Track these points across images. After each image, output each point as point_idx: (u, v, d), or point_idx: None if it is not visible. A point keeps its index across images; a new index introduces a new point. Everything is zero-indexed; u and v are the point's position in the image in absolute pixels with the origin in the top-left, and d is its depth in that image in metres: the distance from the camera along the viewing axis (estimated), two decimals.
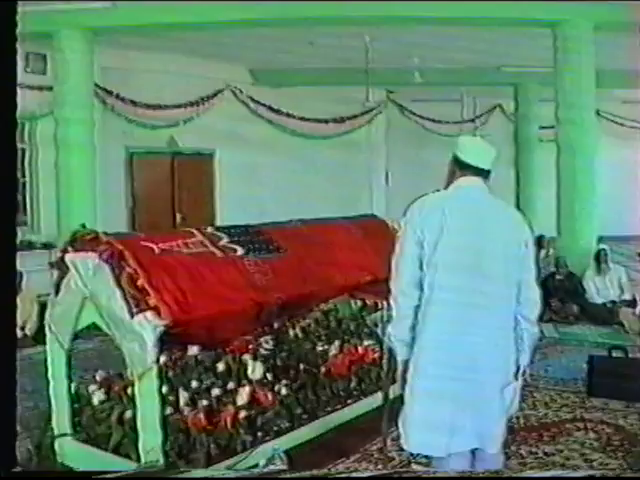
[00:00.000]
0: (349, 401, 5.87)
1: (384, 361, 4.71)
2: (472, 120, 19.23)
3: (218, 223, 13.12)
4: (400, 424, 3.62)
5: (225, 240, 5.17)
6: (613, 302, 9.69)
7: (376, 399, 6.03)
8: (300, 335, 6.08)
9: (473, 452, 3.76)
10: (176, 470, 4.12)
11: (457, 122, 18.84)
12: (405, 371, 3.58)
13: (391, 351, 3.86)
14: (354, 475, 2.35)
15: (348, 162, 17.10)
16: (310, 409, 5.48)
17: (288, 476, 2.41)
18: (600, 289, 9.88)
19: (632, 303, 9.41)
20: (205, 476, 2.26)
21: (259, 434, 4.93)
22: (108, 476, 2.67)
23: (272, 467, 4.12)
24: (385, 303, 6.73)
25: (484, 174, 3.66)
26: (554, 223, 11.28)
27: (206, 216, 14.04)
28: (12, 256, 2.34)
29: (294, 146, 15.93)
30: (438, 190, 4.45)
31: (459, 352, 3.46)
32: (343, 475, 2.32)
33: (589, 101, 10.35)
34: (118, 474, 2.97)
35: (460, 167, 3.66)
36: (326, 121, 16.36)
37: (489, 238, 3.54)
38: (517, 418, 5.83)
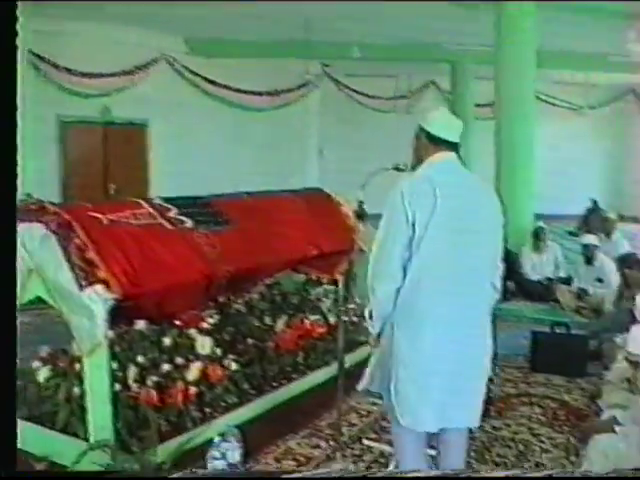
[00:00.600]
0: (296, 376, 5.82)
1: (339, 332, 4.59)
2: (406, 96, 19.25)
3: (152, 194, 12.84)
4: (394, 399, 3.53)
5: (174, 212, 5.03)
6: (549, 279, 9.78)
7: (324, 373, 6.04)
8: (246, 310, 5.97)
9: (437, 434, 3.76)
10: (176, 470, 3.99)
11: (391, 98, 18.87)
12: (375, 342, 3.61)
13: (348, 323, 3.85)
14: (354, 475, 2.28)
15: (283, 135, 16.94)
16: (258, 385, 5.41)
17: (288, 476, 2.32)
18: (536, 266, 9.97)
19: (567, 280, 9.54)
20: (206, 476, 2.19)
21: (208, 410, 4.84)
22: (109, 476, 2.54)
23: (225, 444, 4.03)
24: (328, 277, 6.81)
25: (457, 148, 3.61)
26: None
27: (140, 187, 13.74)
28: (12, 257, 2.27)
29: (230, 118, 15.69)
30: (399, 165, 4.40)
31: (455, 331, 3.46)
32: (343, 475, 2.24)
33: (529, 80, 10.40)
34: (119, 474, 2.86)
35: (433, 142, 3.56)
36: (261, 93, 16.16)
37: (477, 216, 3.53)
38: None
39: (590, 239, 9.19)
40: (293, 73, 15.96)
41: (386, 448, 4.77)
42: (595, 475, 2.22)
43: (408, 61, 15.97)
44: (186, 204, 5.23)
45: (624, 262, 7.20)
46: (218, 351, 5.07)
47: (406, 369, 3.46)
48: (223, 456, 3.99)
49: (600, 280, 8.90)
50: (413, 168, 3.68)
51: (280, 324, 5.87)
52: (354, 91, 18.21)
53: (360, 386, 3.81)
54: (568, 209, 17.72)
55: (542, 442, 5.03)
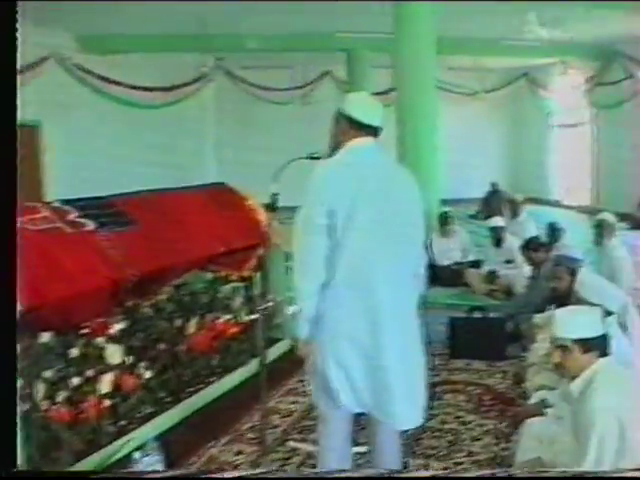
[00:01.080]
0: (212, 379, 5.58)
1: (258, 331, 4.37)
2: (302, 87, 19.12)
3: (48, 197, 12.27)
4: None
5: (73, 214, 4.68)
6: (458, 263, 9.78)
7: (239, 375, 5.82)
8: (154, 313, 5.65)
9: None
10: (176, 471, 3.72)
11: (286, 89, 18.70)
12: (305, 347, 3.42)
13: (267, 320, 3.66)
14: (354, 475, 2.10)
15: (179, 131, 16.53)
16: (173, 392, 5.14)
17: (288, 476, 2.17)
18: (445, 251, 9.95)
19: (477, 264, 9.57)
20: (206, 476, 2.03)
21: (123, 423, 4.54)
22: (109, 476, 2.53)
23: (147, 459, 3.75)
24: (237, 274, 6.55)
25: (377, 133, 3.47)
26: None
27: (36, 190, 13.13)
28: (12, 259, 2.16)
29: (125, 115, 15.15)
30: (314, 154, 4.19)
31: (390, 325, 3.36)
32: (342, 475, 2.07)
33: (429, 68, 10.33)
34: (119, 474, 2.66)
35: (354, 127, 3.41)
36: (154, 89, 15.65)
37: (400, 203, 3.43)
38: None
39: (497, 221, 9.24)
40: (187, 67, 15.57)
41: (313, 448, 4.58)
42: (595, 475, 2.07)
43: (303, 51, 15.79)
44: (86, 206, 4.88)
45: (528, 246, 7.21)
46: (129, 359, 4.76)
47: (343, 368, 3.36)
48: None
49: (509, 261, 8.97)
50: (330, 155, 3.51)
51: (192, 326, 5.59)
52: (249, 84, 17.93)
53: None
54: (467, 192, 17.96)
55: (471, 430, 4.94)
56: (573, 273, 5.10)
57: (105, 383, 4.39)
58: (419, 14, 10.07)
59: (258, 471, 2.79)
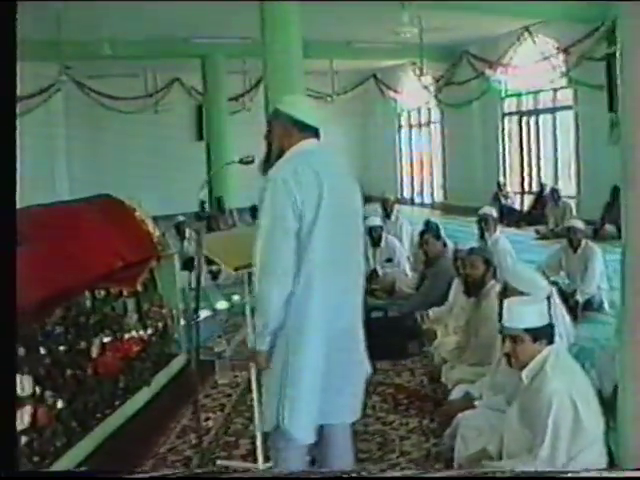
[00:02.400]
0: (118, 402, 5.27)
1: (192, 333, 4.17)
2: (151, 95, 18.72)
3: None
4: (284, 411, 3.25)
5: None
6: None
7: (146, 394, 5.55)
8: (52, 338, 5.28)
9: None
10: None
11: (136, 97, 18.24)
12: (266, 361, 3.31)
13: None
14: (354, 475, 2.01)
15: (28, 143, 15.68)
16: (83, 419, 4.79)
17: (289, 476, 2.04)
18: None
19: None
20: (206, 476, 1.89)
21: (35, 459, 4.18)
22: (109, 476, 2.45)
23: None
24: (130, 289, 6.24)
25: (319, 134, 3.44)
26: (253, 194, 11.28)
27: None
28: (11, 258, 2.16)
29: None
30: (245, 158, 4.03)
31: (342, 327, 3.36)
32: (342, 475, 1.98)
33: (297, 71, 10.24)
34: (119, 474, 2.53)
35: (299, 129, 3.36)
36: None
37: (351, 206, 3.43)
38: None
39: (375, 220, 9.29)
40: (35, 77, 14.82)
41: (242, 465, 4.41)
42: (595, 475, 2.05)
43: (158, 58, 15.40)
44: None
45: (426, 236, 7.30)
46: (38, 389, 4.40)
47: (299, 384, 3.25)
48: None
49: (389, 260, 9.04)
50: (267, 159, 3.45)
51: (95, 348, 5.25)
52: (97, 93, 17.31)
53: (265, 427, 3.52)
54: None
55: (396, 429, 4.90)
56: (487, 263, 5.17)
57: (24, 419, 4.02)
58: (289, 17, 9.97)
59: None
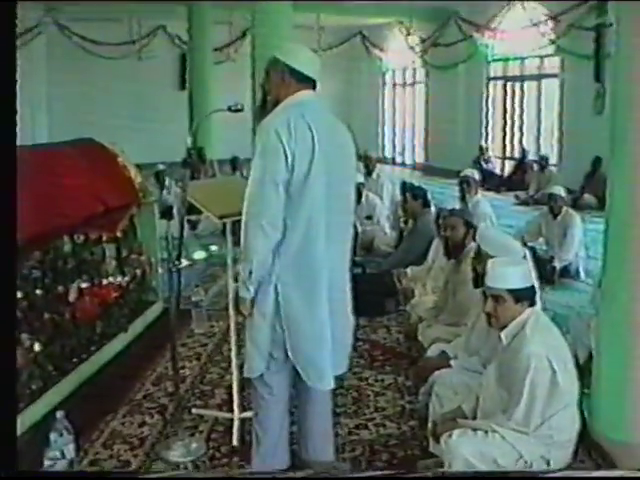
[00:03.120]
0: (94, 348, 5.25)
1: (172, 282, 4.10)
2: (134, 42, 18.46)
3: None
4: (297, 363, 3.39)
5: None
6: None
7: (122, 341, 5.55)
8: (33, 279, 5.24)
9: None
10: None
11: (119, 43, 17.98)
12: (249, 308, 3.37)
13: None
14: (354, 475, 2.02)
15: None
16: (59, 363, 4.78)
17: (288, 476, 2.04)
18: None
19: None
20: (207, 476, 1.89)
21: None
22: (109, 476, 2.49)
23: (61, 439, 3.44)
24: (110, 235, 6.18)
25: (315, 86, 3.43)
26: (239, 145, 11.29)
27: None
28: (12, 257, 2.05)
29: None
30: (234, 105, 3.98)
31: (341, 280, 3.49)
32: (343, 475, 1.97)
33: (286, 24, 10.07)
34: (119, 474, 2.67)
35: (296, 79, 3.34)
36: None
37: (344, 158, 3.42)
38: None
39: (357, 177, 9.22)
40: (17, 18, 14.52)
41: (218, 414, 4.42)
42: (595, 475, 2.08)
43: (142, 3, 15.13)
44: None
45: (409, 192, 7.29)
46: (16, 332, 4.37)
47: (302, 329, 3.33)
48: (62, 454, 3.41)
49: (369, 217, 9.03)
50: (263, 108, 3.44)
51: (73, 292, 5.22)
52: (80, 37, 17.03)
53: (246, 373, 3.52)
54: None
55: (372, 385, 4.94)
56: (468, 225, 5.18)
57: None
58: None
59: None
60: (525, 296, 3.52)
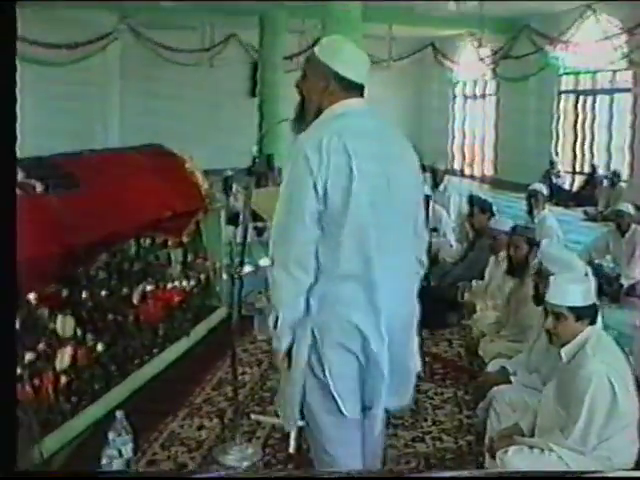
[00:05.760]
0: (157, 350, 5.34)
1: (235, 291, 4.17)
2: (208, 49, 18.73)
3: None
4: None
5: (20, 175, 4.33)
6: None
7: (185, 344, 5.63)
8: (98, 281, 5.36)
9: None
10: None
11: (192, 51, 18.27)
12: (289, 357, 2.80)
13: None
14: (354, 475, 1.99)
15: (83, 90, 15.84)
16: (122, 364, 4.87)
17: (289, 476, 2.03)
18: None
19: None
20: (209, 476, 1.89)
21: (75, 400, 4.27)
22: (109, 476, 2.30)
23: (119, 439, 3.51)
24: (176, 239, 6.28)
25: (364, 90, 2.88)
26: None
27: None
28: (11, 256, 1.91)
29: (29, 74, 14.36)
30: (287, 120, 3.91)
31: (394, 324, 2.78)
32: (343, 475, 1.95)
33: (356, 34, 10.14)
34: (119, 474, 2.52)
35: (342, 85, 2.79)
36: (59, 46, 14.88)
37: (401, 178, 2.81)
38: None
39: (424, 189, 9.18)
40: (92, 24, 14.89)
41: (276, 421, 4.44)
42: (595, 475, 2.03)
43: (216, 12, 15.37)
44: (30, 166, 4.53)
45: (476, 206, 7.22)
46: (80, 331, 4.48)
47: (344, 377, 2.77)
48: (120, 453, 3.49)
49: (434, 229, 8.96)
50: (301, 116, 2.89)
51: (137, 295, 5.32)
52: (155, 44, 17.35)
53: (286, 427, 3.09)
54: None
55: (431, 398, 4.92)
56: (530, 242, 5.13)
57: (64, 358, 4.10)
58: None
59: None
60: (586, 314, 3.47)
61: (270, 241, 2.77)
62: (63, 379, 4.08)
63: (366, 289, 2.71)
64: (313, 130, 2.76)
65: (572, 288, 3.50)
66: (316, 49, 2.88)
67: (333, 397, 2.77)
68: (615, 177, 13.32)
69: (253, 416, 4.54)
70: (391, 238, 2.77)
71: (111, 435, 3.49)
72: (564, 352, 3.50)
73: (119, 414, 3.60)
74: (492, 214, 7.14)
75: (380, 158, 2.74)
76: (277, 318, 2.72)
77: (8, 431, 1.92)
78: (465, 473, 2.35)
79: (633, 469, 3.32)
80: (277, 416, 4.48)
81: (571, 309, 3.44)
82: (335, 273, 2.69)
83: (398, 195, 2.80)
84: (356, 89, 2.83)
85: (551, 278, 3.65)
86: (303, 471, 2.59)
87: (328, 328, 2.72)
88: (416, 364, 3.07)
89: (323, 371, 2.74)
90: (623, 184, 13.42)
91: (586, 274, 4.11)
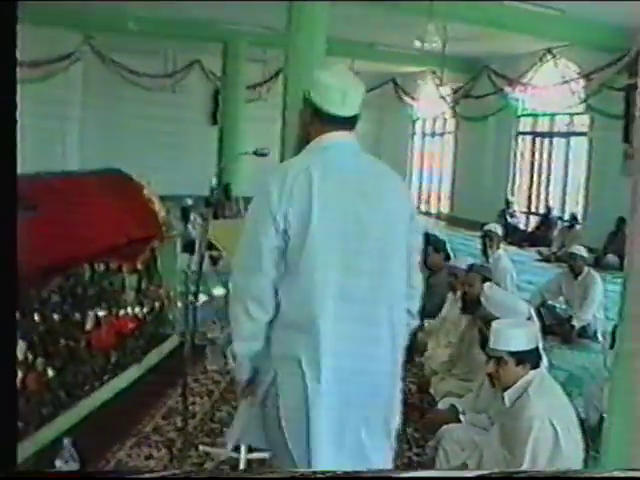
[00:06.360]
0: (108, 377, 5.28)
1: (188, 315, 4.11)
2: (170, 75, 18.73)
3: None
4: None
5: None
6: None
7: (136, 371, 5.58)
8: (51, 304, 5.30)
9: None
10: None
11: (155, 76, 18.26)
12: (250, 388, 2.75)
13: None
14: (354, 475, 1.99)
15: (43, 110, 15.68)
16: (72, 390, 4.81)
17: (289, 476, 2.01)
18: None
19: None
20: (206, 476, 1.88)
21: (21, 425, 4.19)
22: (110, 476, 2.35)
23: (66, 466, 3.47)
24: (130, 266, 6.24)
25: (353, 123, 2.69)
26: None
27: None
28: (11, 256, 1.94)
29: None
30: (260, 150, 3.97)
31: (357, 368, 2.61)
32: (343, 475, 1.96)
33: (320, 64, 10.23)
34: (119, 474, 2.51)
35: (320, 117, 2.63)
36: (20, 64, 14.71)
37: (380, 216, 2.63)
38: None
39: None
40: (55, 43, 14.82)
41: (225, 453, 4.42)
42: (598, 475, 2.07)
43: (179, 38, 15.40)
44: None
45: (431, 246, 7.28)
46: (30, 356, 4.42)
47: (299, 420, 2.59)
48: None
49: None
50: (294, 154, 2.76)
51: (90, 321, 5.27)
52: (119, 66, 17.29)
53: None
54: None
55: None
56: (485, 281, 5.18)
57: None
58: (316, 12, 9.94)
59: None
60: (528, 358, 3.52)
61: (231, 274, 2.70)
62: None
63: (311, 336, 2.53)
64: (285, 164, 2.73)
65: (513, 333, 3.55)
66: (309, 82, 2.73)
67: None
68: (572, 219, 13.57)
69: (201, 447, 4.51)
70: (361, 284, 2.59)
71: (58, 462, 3.46)
72: (507, 396, 3.55)
73: (66, 441, 3.57)
74: (446, 253, 7.21)
75: (353, 196, 2.58)
76: (232, 354, 2.69)
77: (8, 431, 1.94)
78: (465, 473, 2.34)
79: (633, 469, 3.35)
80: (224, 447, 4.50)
81: (512, 354, 3.49)
82: (288, 313, 2.59)
83: (374, 238, 2.61)
84: (341, 122, 2.64)
85: (492, 323, 3.70)
86: (303, 471, 2.50)
87: (282, 366, 2.61)
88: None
89: (277, 408, 2.61)
90: (578, 226, 13.67)
91: (529, 317, 4.20)
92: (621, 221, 11.96)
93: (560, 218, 14.26)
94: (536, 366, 3.58)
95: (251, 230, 2.60)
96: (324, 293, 2.53)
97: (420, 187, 20.99)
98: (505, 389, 3.58)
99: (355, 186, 2.61)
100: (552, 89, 14.97)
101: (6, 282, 1.90)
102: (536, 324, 3.97)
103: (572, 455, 3.45)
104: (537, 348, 3.62)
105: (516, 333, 3.57)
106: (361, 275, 2.59)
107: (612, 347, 4.24)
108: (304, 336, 2.55)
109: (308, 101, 2.67)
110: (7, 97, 1.93)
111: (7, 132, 1.90)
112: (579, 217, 14.17)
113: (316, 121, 2.66)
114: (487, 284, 5.67)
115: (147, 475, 1.92)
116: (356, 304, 2.58)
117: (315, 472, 2.23)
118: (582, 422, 3.87)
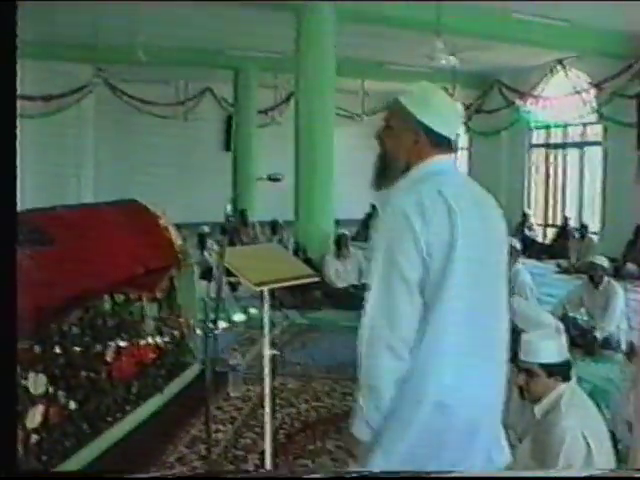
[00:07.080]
0: (130, 407, 5.28)
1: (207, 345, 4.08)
2: (182, 103, 18.85)
3: None
4: None
5: None
6: (354, 286, 9.76)
7: (157, 402, 5.57)
8: (70, 338, 5.31)
9: None
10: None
11: (167, 104, 18.37)
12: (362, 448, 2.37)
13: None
14: (353, 475, 1.95)
15: (57, 143, 15.85)
16: (93, 422, 4.81)
17: (289, 476, 1.99)
18: (341, 273, 9.95)
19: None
20: (206, 476, 1.87)
21: (45, 458, 4.19)
22: (110, 475, 2.36)
23: None
24: (149, 295, 6.25)
25: (453, 147, 2.60)
26: (281, 208, 11.37)
27: None
28: (11, 257, 1.94)
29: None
30: (275, 175, 3.94)
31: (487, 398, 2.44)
32: (343, 475, 1.93)
33: (329, 89, 10.30)
34: (119, 474, 2.45)
35: (432, 140, 2.47)
36: (33, 98, 14.89)
37: (493, 240, 2.50)
38: (307, 411, 5.65)
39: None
40: (67, 77, 14.95)
41: None
42: (595, 475, 2.03)
43: (190, 67, 15.53)
44: None
45: None
46: (52, 389, 4.42)
47: None
48: None
49: None
50: (384, 171, 2.54)
51: (111, 351, 5.28)
52: (131, 97, 17.43)
53: None
54: (344, 214, 18.14)
55: None
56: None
57: (36, 417, 4.04)
58: (325, 34, 10.01)
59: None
60: (558, 371, 3.50)
61: (367, 313, 2.30)
62: (34, 438, 4.01)
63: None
64: (406, 187, 2.44)
65: (543, 345, 3.53)
66: (402, 98, 2.52)
67: None
68: (583, 229, 13.50)
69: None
70: (485, 308, 2.42)
71: None
72: (537, 409, 3.53)
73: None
74: None
75: (475, 220, 2.39)
76: (374, 405, 2.30)
77: (8, 431, 1.94)
78: (465, 473, 2.26)
79: (633, 469, 3.31)
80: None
81: (543, 366, 3.47)
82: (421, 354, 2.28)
83: (493, 265, 2.46)
84: (446, 144, 2.51)
85: (522, 335, 3.67)
86: (304, 471, 2.46)
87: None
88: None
89: None
90: (594, 236, 13.59)
91: (557, 330, 4.16)
92: (639, 229, 11.88)
93: (576, 229, 14.18)
94: (567, 378, 3.55)
95: (391, 259, 2.28)
96: (460, 333, 2.31)
97: None
98: (535, 401, 3.55)
99: (479, 210, 2.45)
100: (564, 100, 14.97)
101: (6, 282, 1.91)
102: (564, 336, 3.92)
103: (604, 468, 3.40)
104: (568, 361, 3.60)
105: (546, 345, 3.56)
106: (485, 310, 2.42)
107: (628, 357, 4.20)
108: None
109: (417, 122, 2.46)
110: (7, 100, 1.92)
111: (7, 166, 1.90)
112: (594, 227, 14.08)
113: (427, 143, 2.46)
114: (515, 298, 5.63)
115: (147, 475, 1.90)
116: (479, 330, 2.39)
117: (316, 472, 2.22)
118: (613, 434, 3.83)
